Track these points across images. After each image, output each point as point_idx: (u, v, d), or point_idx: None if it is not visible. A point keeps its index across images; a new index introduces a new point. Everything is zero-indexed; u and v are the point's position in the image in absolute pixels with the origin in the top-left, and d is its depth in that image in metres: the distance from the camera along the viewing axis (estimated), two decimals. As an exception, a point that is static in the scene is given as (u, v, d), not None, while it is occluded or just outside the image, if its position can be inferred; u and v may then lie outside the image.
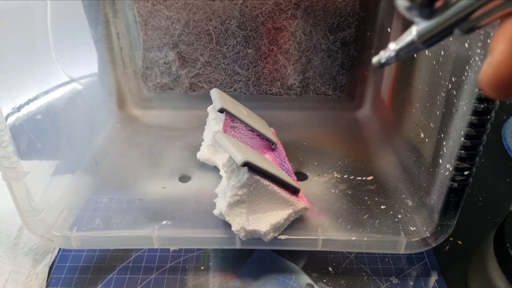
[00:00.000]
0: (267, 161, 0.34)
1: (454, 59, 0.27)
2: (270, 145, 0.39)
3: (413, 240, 0.31)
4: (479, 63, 0.23)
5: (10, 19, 0.31)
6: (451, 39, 0.27)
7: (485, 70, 0.14)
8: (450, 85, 0.27)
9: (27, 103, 0.31)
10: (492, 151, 0.48)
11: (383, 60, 0.17)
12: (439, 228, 0.30)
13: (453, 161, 0.27)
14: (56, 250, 0.36)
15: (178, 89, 0.49)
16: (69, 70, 0.38)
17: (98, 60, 0.44)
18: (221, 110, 0.36)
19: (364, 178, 0.39)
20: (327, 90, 0.49)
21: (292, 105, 0.50)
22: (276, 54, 0.46)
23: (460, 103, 0.26)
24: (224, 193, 0.33)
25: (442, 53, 0.28)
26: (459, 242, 0.37)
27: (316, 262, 0.35)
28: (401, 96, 0.38)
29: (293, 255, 0.35)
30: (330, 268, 0.34)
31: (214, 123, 0.39)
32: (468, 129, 0.25)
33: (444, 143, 0.28)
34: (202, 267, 0.35)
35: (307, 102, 0.50)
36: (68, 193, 0.36)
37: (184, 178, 0.39)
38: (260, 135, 0.38)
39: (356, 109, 0.50)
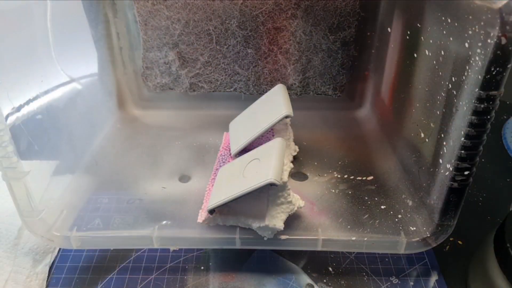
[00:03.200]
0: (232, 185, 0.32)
1: (454, 59, 0.27)
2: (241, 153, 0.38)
3: (413, 240, 0.31)
4: (479, 63, 0.23)
5: (10, 19, 0.31)
6: (451, 38, 0.27)
7: None
8: (450, 85, 0.27)
9: (27, 103, 0.31)
10: (492, 151, 0.48)
11: None
12: (439, 228, 0.30)
13: (453, 161, 0.27)
14: (56, 250, 0.36)
15: (178, 89, 0.49)
16: (69, 70, 0.38)
17: (98, 60, 0.44)
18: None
19: (364, 178, 0.39)
20: (327, 90, 0.49)
21: (292, 105, 0.50)
22: (276, 54, 0.46)
23: (460, 103, 0.26)
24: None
25: (442, 53, 0.28)
26: (459, 242, 0.37)
27: (316, 262, 0.35)
28: (401, 96, 0.38)
29: (293, 255, 0.35)
30: (330, 268, 0.34)
31: None
32: (468, 129, 0.25)
33: (444, 143, 0.28)
34: (202, 267, 0.35)
35: (307, 102, 0.50)
36: (68, 193, 0.36)
37: (184, 178, 0.39)
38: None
39: (356, 109, 0.50)
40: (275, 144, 0.33)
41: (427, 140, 0.32)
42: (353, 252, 0.36)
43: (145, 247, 0.35)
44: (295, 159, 0.41)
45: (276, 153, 0.32)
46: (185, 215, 0.34)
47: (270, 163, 0.30)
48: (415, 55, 0.34)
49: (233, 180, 0.32)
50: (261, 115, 0.40)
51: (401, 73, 0.38)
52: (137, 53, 0.47)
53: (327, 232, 0.32)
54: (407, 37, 0.36)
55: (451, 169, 0.27)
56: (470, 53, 0.24)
